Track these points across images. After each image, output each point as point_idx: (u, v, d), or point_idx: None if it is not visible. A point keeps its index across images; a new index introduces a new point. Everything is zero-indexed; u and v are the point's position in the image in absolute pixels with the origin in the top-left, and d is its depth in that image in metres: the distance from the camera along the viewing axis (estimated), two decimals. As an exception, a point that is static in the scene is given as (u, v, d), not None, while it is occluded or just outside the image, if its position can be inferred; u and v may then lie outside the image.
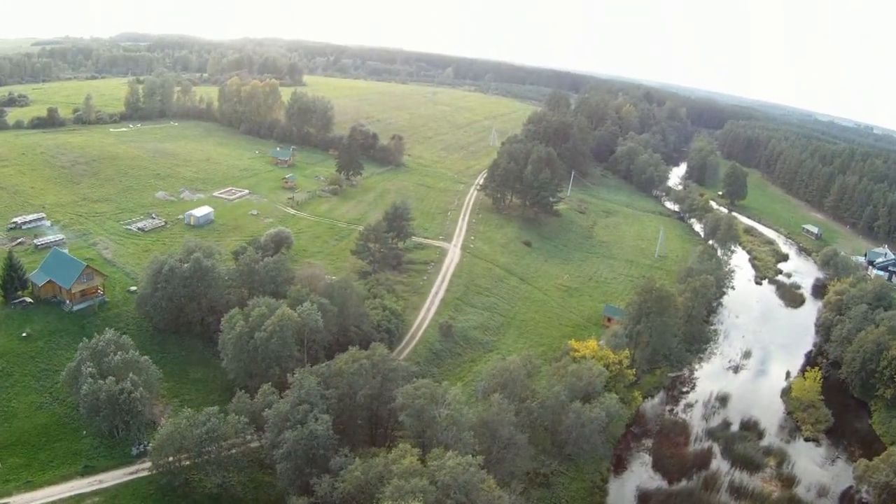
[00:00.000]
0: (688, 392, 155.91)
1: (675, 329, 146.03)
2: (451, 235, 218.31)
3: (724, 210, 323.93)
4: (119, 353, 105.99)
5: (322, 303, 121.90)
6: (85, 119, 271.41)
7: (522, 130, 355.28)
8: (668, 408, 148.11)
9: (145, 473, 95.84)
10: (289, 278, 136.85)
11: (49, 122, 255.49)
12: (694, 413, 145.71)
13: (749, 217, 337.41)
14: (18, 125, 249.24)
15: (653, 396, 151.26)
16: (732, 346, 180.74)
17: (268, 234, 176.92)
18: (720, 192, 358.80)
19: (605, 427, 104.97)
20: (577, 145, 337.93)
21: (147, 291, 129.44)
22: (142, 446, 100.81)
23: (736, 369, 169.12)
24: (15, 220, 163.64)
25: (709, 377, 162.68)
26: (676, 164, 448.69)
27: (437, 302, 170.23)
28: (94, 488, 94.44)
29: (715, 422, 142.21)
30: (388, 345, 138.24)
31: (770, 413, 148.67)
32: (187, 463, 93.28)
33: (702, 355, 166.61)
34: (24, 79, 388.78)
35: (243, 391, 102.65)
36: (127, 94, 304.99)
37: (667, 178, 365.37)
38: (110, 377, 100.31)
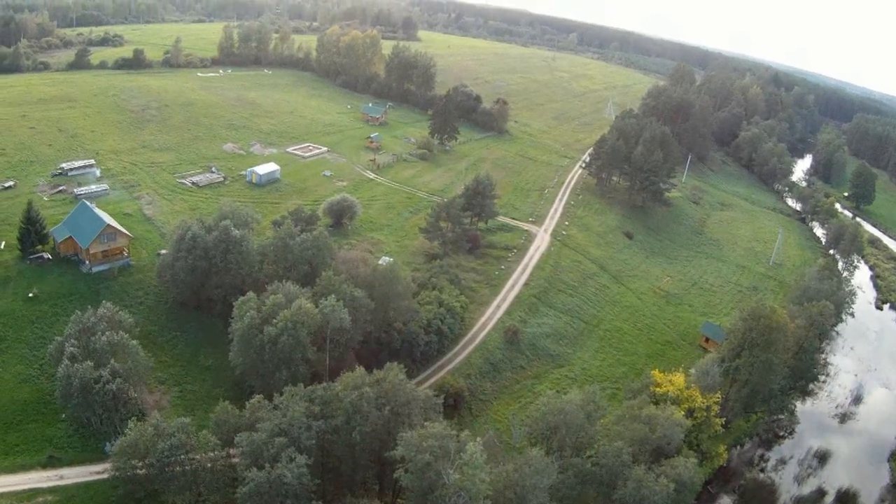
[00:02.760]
0: (783, 442, 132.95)
1: (781, 368, 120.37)
2: (543, 218, 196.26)
3: (848, 214, 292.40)
4: (108, 332, 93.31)
5: (356, 296, 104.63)
6: (173, 62, 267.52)
7: (640, 105, 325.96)
8: (757, 454, 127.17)
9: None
10: (329, 259, 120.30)
11: (135, 63, 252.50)
12: (785, 472, 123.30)
13: (874, 225, 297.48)
14: (102, 66, 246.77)
15: (741, 445, 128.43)
16: (842, 387, 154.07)
17: (329, 202, 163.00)
18: (846, 194, 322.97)
19: (672, 502, 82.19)
20: (697, 126, 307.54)
21: (169, 259, 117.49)
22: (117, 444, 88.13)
23: (842, 418, 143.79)
24: (62, 165, 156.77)
25: (810, 425, 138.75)
26: (801, 156, 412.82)
27: (510, 298, 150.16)
28: (51, 484, 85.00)
29: (808, 487, 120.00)
30: (437, 349, 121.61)
31: (873, 482, 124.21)
32: (154, 472, 79.71)
33: (806, 395, 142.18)
34: (128, 19, 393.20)
35: (227, 403, 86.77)
36: (221, 38, 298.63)
37: (791, 172, 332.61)
38: (88, 362, 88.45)
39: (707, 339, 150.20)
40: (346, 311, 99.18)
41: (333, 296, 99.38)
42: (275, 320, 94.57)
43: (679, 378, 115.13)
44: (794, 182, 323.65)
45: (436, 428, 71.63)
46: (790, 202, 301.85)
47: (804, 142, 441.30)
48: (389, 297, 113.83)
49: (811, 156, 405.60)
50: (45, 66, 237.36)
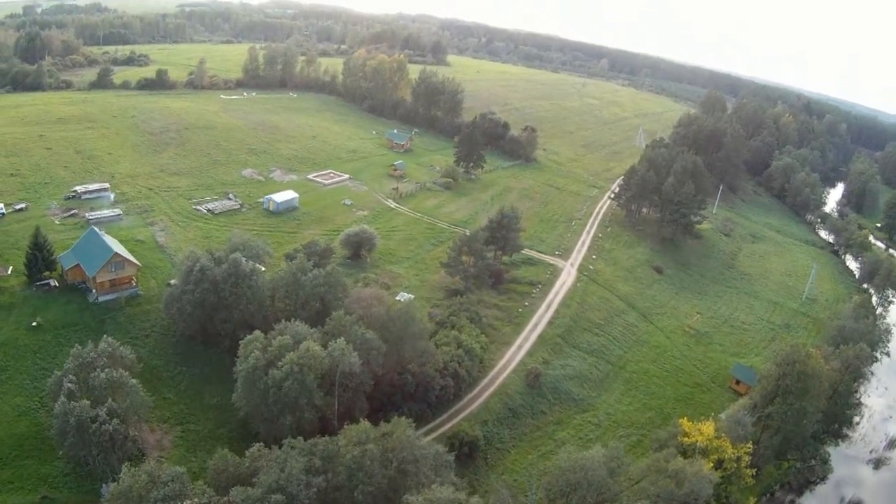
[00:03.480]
0: (814, 488, 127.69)
1: (815, 414, 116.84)
2: (570, 251, 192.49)
3: (881, 245, 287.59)
4: (107, 369, 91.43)
5: (367, 338, 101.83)
6: (197, 84, 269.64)
7: (671, 134, 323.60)
8: (787, 502, 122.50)
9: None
10: (342, 296, 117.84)
11: (157, 84, 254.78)
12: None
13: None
14: (125, 86, 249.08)
15: (771, 494, 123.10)
16: (876, 430, 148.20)
17: (346, 233, 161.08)
18: (878, 224, 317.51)
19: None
20: (729, 155, 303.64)
21: (176, 292, 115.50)
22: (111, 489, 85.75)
23: (877, 463, 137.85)
24: (76, 188, 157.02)
25: (843, 471, 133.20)
26: (833, 186, 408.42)
27: (532, 337, 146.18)
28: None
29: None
30: (454, 392, 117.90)
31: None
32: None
33: (839, 439, 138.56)
34: (155, 38, 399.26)
35: (227, 451, 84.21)
36: (246, 60, 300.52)
37: (823, 203, 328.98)
38: (85, 400, 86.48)
39: (738, 382, 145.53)
40: (357, 354, 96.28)
41: (343, 338, 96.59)
42: (280, 363, 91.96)
43: (708, 427, 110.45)
44: (826, 213, 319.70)
45: (442, 493, 68.01)
46: (823, 234, 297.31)
47: (836, 171, 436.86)
48: (404, 338, 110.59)
49: (843, 185, 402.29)
50: (68, 85, 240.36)
